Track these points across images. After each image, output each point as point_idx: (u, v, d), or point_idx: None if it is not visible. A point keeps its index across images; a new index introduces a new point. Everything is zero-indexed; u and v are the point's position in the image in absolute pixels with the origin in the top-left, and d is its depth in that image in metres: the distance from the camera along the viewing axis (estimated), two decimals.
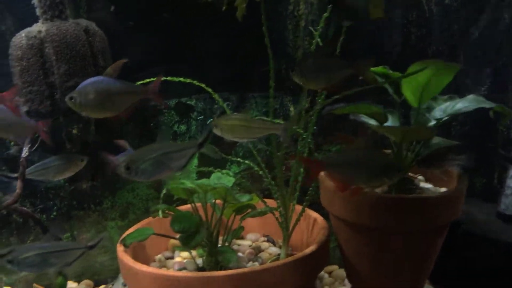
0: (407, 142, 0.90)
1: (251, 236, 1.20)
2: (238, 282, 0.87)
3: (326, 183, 0.96)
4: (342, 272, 1.26)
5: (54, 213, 1.24)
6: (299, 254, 0.92)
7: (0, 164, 1.20)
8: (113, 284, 1.20)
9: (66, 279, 0.77)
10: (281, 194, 1.05)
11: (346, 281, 1.23)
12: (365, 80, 0.91)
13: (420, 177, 1.01)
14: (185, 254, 1.11)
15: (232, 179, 1.05)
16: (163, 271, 0.91)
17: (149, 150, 0.74)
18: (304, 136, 1.01)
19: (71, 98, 0.80)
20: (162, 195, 0.96)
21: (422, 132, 0.82)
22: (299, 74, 0.80)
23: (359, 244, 0.96)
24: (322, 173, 0.99)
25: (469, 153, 0.89)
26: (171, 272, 0.91)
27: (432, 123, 0.88)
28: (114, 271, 1.27)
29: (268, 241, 1.17)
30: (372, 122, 0.92)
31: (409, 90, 0.84)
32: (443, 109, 0.87)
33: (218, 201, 1.07)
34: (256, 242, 1.17)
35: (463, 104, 0.85)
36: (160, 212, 0.96)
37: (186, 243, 0.93)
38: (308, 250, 0.93)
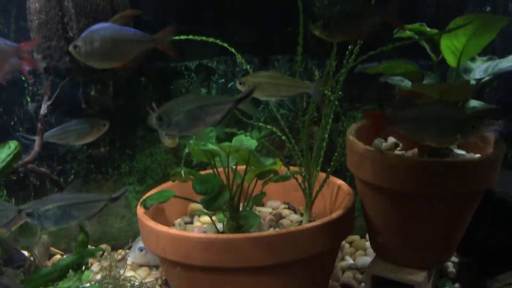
0: None
1: (271, 203, 1.17)
2: (263, 245, 0.84)
3: (355, 146, 0.92)
4: (363, 243, 1.24)
5: (72, 177, 1.22)
6: (325, 218, 0.89)
7: (18, 125, 1.18)
8: (129, 249, 1.18)
9: (87, 236, 0.75)
10: (306, 159, 1.02)
11: (368, 251, 1.21)
12: (399, 39, 0.86)
13: None
14: (205, 219, 1.08)
15: (255, 142, 1.01)
16: (185, 232, 0.88)
17: (184, 102, 0.68)
18: (332, 98, 0.97)
19: (75, 47, 0.75)
20: (184, 154, 0.92)
21: (463, 89, 0.77)
22: (322, 26, 0.73)
23: (387, 210, 0.92)
24: (349, 136, 0.95)
25: (507, 118, 0.85)
26: (193, 234, 0.88)
27: (472, 83, 0.83)
28: (131, 237, 1.25)
29: (289, 208, 1.15)
30: (406, 83, 0.88)
31: (448, 48, 0.79)
32: (484, 69, 0.82)
33: (239, 167, 1.04)
34: (277, 209, 1.14)
35: (507, 63, 0.80)
36: (182, 173, 0.93)
37: (208, 206, 0.90)
38: (335, 215, 0.90)
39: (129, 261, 1.18)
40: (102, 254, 0.72)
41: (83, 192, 1.22)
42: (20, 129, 1.17)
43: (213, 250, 0.84)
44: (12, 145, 0.79)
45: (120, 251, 1.24)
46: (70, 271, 0.72)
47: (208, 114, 0.68)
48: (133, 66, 0.77)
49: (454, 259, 1.15)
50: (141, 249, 1.15)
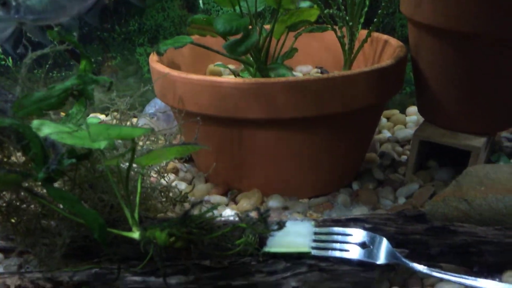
0: None
1: (301, 68, 1.02)
2: (297, 91, 0.71)
3: None
4: (403, 117, 1.11)
5: (74, 33, 1.07)
6: (375, 66, 0.74)
7: None
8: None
9: (91, 63, 0.60)
10: (351, 3, 0.85)
11: (408, 125, 1.08)
12: None
13: None
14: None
15: None
16: (207, 77, 0.75)
17: None
18: None
19: None
20: None
21: None
22: None
23: (446, 61, 0.77)
24: None
25: None
26: (216, 78, 0.75)
27: None
28: (144, 105, 1.13)
29: (322, 73, 1.00)
30: None
31: None
32: None
33: (265, 26, 0.89)
34: (308, 74, 1.00)
35: None
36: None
37: (233, 49, 0.75)
38: (385, 63, 0.75)
39: None
40: (110, 86, 0.59)
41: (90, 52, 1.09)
42: None
43: (240, 97, 0.71)
44: None
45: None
46: (74, 108, 0.59)
47: None
48: None
49: (509, 135, 1.02)
50: (152, 116, 1.04)
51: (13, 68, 1.02)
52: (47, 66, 1.04)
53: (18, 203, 0.55)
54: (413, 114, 1.10)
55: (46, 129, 0.52)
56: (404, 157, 0.95)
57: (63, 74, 1.10)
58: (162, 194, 0.66)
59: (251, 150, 0.77)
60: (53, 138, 0.51)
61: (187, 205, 0.72)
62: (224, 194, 0.83)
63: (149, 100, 1.05)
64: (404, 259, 0.60)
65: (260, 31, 0.85)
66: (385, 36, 0.90)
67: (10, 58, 1.02)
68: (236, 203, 0.81)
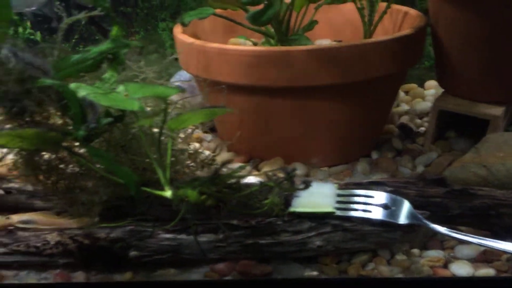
0: None
1: (320, 41, 1.04)
2: (322, 59, 0.72)
3: None
4: (421, 91, 1.11)
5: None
6: (396, 34, 0.76)
7: None
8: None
9: (122, 28, 0.62)
10: None
11: (427, 98, 1.09)
12: None
13: None
14: None
15: None
16: (230, 46, 0.77)
17: None
18: None
19: None
20: None
21: None
22: None
23: (467, 27, 0.78)
24: None
25: None
26: (240, 47, 0.77)
27: None
28: (167, 79, 1.16)
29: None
30: None
31: None
32: None
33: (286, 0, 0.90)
34: None
35: None
36: None
37: (256, 19, 0.77)
38: (405, 32, 0.77)
39: None
40: (141, 51, 0.61)
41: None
42: None
43: (264, 65, 0.73)
44: None
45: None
46: (107, 74, 0.62)
47: None
48: None
49: None
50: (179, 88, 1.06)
51: (42, 42, 1.05)
52: (73, 40, 1.07)
53: (57, 163, 0.58)
54: (431, 87, 1.11)
55: (82, 91, 0.55)
56: (422, 129, 0.96)
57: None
58: (190, 158, 0.68)
59: (273, 118, 0.79)
60: (90, 98, 0.53)
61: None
62: (247, 162, 0.86)
63: (172, 75, 1.07)
64: (425, 220, 0.62)
65: (281, 3, 0.86)
66: (405, 8, 0.91)
67: (39, 32, 1.05)
68: (258, 171, 0.84)
